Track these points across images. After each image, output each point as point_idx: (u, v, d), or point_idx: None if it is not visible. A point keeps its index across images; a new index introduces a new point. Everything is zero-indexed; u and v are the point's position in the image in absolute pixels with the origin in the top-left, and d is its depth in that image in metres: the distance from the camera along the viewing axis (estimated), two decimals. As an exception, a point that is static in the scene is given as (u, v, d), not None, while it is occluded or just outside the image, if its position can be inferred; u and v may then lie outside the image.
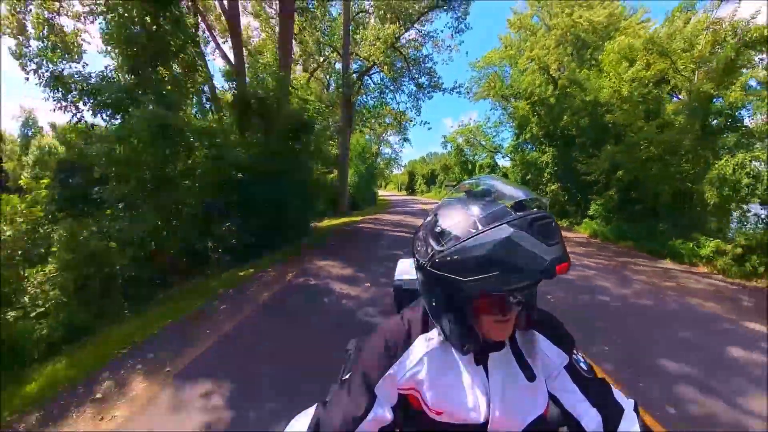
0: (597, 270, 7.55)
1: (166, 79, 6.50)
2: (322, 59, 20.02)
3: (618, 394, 0.83)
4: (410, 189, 69.82)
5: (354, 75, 17.80)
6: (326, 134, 13.32)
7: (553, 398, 0.86)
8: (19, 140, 35.02)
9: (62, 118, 22.10)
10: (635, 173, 10.70)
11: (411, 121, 21.99)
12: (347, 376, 0.87)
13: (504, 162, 31.40)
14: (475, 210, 0.70)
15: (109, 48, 6.10)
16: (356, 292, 5.51)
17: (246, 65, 11.51)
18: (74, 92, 6.02)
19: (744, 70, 9.21)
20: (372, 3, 18.78)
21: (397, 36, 15.34)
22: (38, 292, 3.91)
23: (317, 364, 2.92)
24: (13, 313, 3.63)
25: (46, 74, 6.06)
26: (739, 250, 7.49)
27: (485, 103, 38.99)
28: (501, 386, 0.82)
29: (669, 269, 7.95)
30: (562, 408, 0.85)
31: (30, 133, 35.28)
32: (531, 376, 0.82)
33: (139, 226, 4.96)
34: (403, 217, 18.73)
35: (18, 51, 7.57)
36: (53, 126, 30.20)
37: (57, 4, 8.45)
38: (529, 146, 22.42)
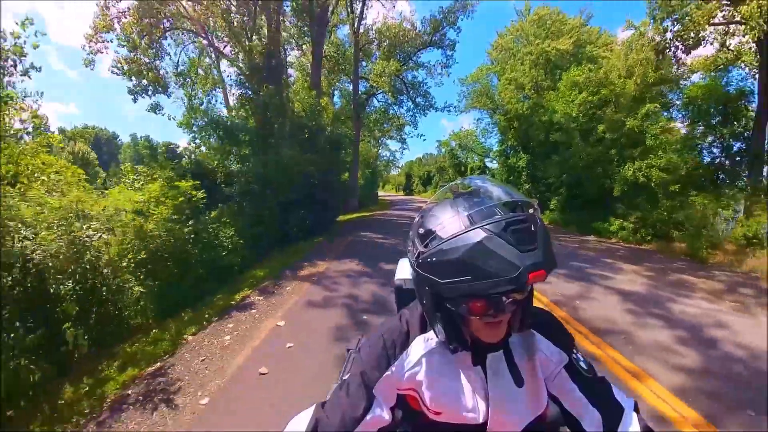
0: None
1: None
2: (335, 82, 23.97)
3: (618, 393, 0.82)
4: (407, 189, 72.57)
5: (363, 96, 21.76)
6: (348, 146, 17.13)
7: (552, 398, 0.86)
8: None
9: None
10: (575, 177, 14.65)
11: (408, 133, 25.88)
12: (346, 377, 0.86)
13: (493, 164, 35.28)
14: (459, 211, 0.69)
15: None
16: (388, 242, 9.99)
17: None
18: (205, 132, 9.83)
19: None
20: (376, 36, 22.77)
21: (398, 71, 19.26)
22: (229, 242, 7.63)
23: (379, 256, 7.06)
24: (223, 253, 7.41)
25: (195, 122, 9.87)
26: (631, 225, 11.43)
27: (475, 111, 43.06)
28: (500, 386, 0.81)
29: (587, 240, 11.89)
30: (562, 408, 0.85)
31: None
32: (519, 381, 0.80)
33: (264, 209, 8.74)
34: (405, 212, 22.68)
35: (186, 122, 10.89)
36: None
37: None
38: (511, 151, 26.35)
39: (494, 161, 33.17)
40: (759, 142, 11.46)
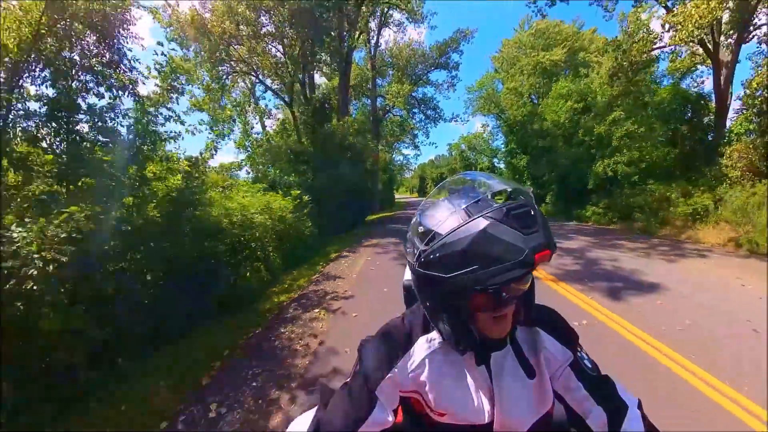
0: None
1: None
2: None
3: (622, 391, 0.82)
4: (422, 191, 75.64)
5: (380, 111, 25.33)
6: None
7: (557, 396, 0.85)
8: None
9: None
10: (560, 174, 17.78)
11: (420, 141, 29.32)
12: (348, 379, 0.86)
13: (500, 164, 38.26)
14: (456, 205, 0.70)
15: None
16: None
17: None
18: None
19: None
20: (388, 56, 26.32)
21: (410, 91, 22.79)
22: (308, 230, 11.08)
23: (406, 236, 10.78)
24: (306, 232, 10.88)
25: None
26: (600, 210, 14.52)
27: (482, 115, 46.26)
28: (505, 386, 0.82)
29: (567, 224, 15.05)
30: (567, 406, 0.85)
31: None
32: (531, 373, 0.81)
33: (324, 210, 12.25)
34: (421, 212, 26.43)
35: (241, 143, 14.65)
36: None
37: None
38: (514, 153, 29.45)
39: (501, 161, 36.38)
40: (718, 133, 13.80)
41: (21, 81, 5.10)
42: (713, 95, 14.52)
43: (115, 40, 5.82)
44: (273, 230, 7.41)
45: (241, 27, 15.49)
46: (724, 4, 10.91)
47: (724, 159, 12.43)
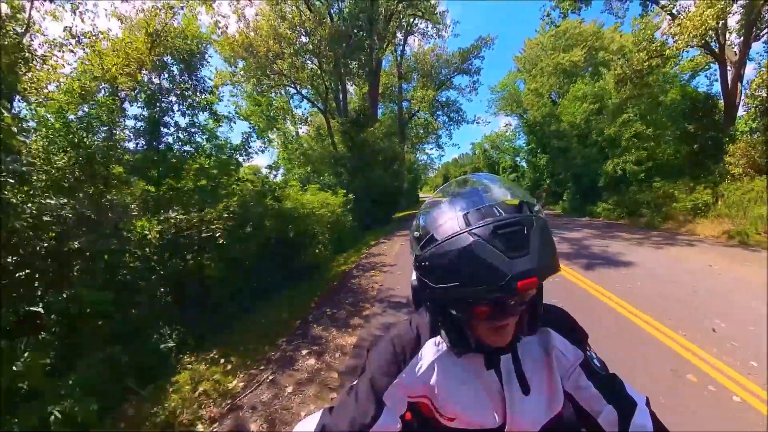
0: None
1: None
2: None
3: (630, 389, 0.83)
4: (445, 190, 77.02)
5: (405, 115, 27.14)
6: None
7: (568, 396, 0.85)
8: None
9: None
10: (575, 173, 19.06)
11: (444, 142, 30.90)
12: (355, 382, 0.85)
13: (522, 163, 39.20)
14: (456, 211, 0.68)
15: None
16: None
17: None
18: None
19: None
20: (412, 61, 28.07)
21: (435, 97, 24.51)
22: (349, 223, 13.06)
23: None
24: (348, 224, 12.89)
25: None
26: (609, 206, 15.79)
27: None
28: (516, 389, 0.81)
29: (580, 220, 16.39)
30: (576, 405, 0.85)
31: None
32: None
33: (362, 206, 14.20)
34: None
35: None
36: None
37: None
38: (535, 152, 30.56)
39: (523, 160, 37.39)
40: (725, 131, 14.47)
41: (123, 104, 7.19)
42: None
43: (196, 71, 8.00)
44: (328, 221, 9.41)
45: (283, 45, 17.66)
46: (717, 19, 12.01)
47: (727, 157, 13.28)
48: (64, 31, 7.63)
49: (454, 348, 0.78)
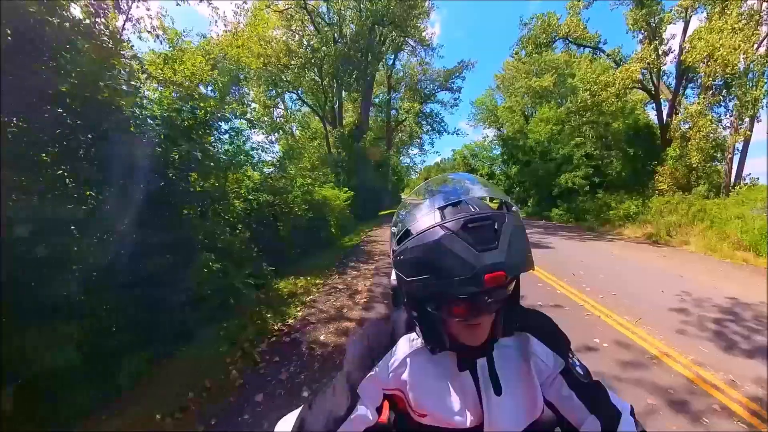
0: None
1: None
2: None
3: (614, 398, 0.83)
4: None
5: (392, 122, 30.05)
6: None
7: (549, 405, 0.85)
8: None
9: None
10: (537, 183, 22.38)
11: (427, 150, 33.99)
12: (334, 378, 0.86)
13: (498, 171, 42.72)
14: (429, 208, 0.69)
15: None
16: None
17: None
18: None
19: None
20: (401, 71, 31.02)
21: (421, 109, 27.53)
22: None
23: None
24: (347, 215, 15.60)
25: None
26: (560, 212, 19.06)
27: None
28: (492, 393, 0.80)
29: (537, 222, 19.61)
30: (559, 414, 0.85)
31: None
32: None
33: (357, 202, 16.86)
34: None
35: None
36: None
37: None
38: (507, 162, 34.00)
39: (498, 168, 40.94)
40: (659, 155, 17.41)
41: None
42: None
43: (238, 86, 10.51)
44: (338, 211, 12.07)
45: (292, 57, 20.17)
46: (651, 67, 15.40)
47: (657, 176, 16.56)
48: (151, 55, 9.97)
49: (428, 345, 0.78)
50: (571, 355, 0.87)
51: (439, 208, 0.68)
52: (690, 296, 5.65)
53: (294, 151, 10.13)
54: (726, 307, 5.20)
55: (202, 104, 4.29)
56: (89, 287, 2.77)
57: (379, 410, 0.84)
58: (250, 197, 6.58)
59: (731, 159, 15.47)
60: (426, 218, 0.68)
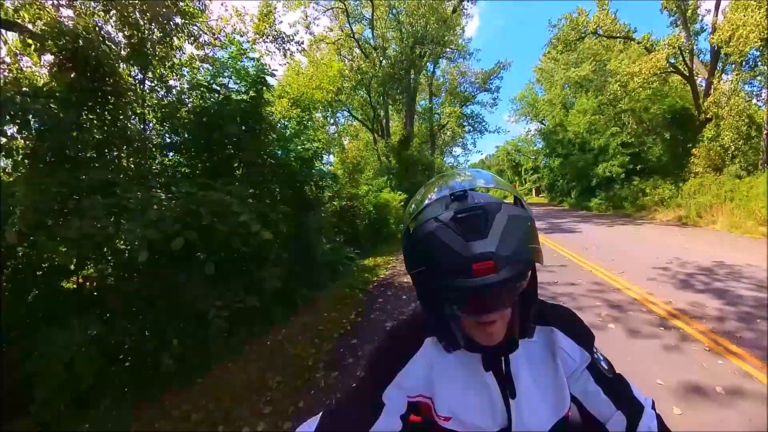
0: (545, 211, 20.87)
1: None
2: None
3: (637, 392, 0.83)
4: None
5: (435, 127, 32.34)
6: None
7: (575, 401, 0.84)
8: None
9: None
10: (577, 175, 23.56)
11: (469, 150, 35.89)
12: (355, 385, 0.86)
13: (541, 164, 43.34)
14: (433, 201, 0.70)
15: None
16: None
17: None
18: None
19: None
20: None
21: (461, 112, 29.65)
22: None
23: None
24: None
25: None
26: (600, 201, 20.28)
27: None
28: (519, 391, 0.79)
29: (577, 211, 20.96)
30: (583, 409, 0.84)
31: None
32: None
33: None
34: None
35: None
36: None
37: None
38: (549, 155, 34.89)
39: (543, 161, 41.58)
40: (696, 137, 17.60)
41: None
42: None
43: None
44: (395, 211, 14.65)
45: (345, 82, 23.33)
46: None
47: (693, 158, 16.80)
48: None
49: (441, 342, 0.77)
50: (595, 350, 0.85)
51: (438, 200, 0.69)
52: (679, 260, 6.54)
53: (360, 164, 12.91)
54: (706, 266, 5.96)
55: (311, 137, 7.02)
56: (286, 252, 5.67)
57: (403, 418, 0.81)
58: (334, 202, 9.45)
59: (768, 134, 15.49)
60: (427, 211, 0.69)
